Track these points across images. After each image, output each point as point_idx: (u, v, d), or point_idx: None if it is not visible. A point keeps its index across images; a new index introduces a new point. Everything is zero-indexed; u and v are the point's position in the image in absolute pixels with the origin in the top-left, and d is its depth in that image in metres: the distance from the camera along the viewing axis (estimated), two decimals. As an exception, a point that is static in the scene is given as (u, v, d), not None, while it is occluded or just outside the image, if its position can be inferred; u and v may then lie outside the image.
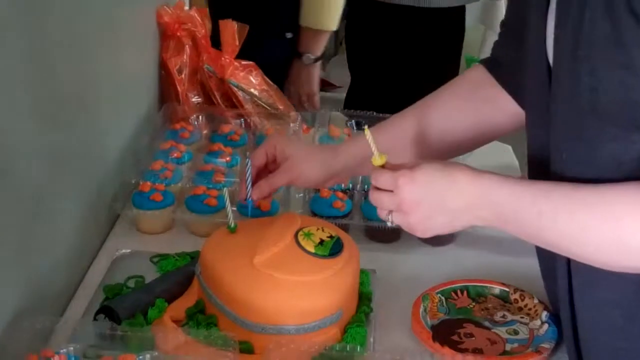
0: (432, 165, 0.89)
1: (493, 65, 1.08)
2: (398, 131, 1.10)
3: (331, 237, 1.05)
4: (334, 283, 1.01)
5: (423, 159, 0.97)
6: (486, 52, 2.46)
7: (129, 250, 1.23)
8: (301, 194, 1.36)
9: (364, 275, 1.14)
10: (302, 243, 1.03)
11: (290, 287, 0.99)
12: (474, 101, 1.07)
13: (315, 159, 1.10)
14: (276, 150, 1.11)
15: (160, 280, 1.13)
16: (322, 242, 1.04)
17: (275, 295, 0.99)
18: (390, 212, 0.90)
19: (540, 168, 0.90)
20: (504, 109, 1.05)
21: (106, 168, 1.32)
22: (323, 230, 1.06)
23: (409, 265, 1.23)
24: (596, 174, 0.81)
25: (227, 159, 1.43)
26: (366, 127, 0.98)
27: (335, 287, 1.01)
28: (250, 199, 1.10)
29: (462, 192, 0.86)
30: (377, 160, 0.92)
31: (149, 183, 1.32)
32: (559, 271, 0.90)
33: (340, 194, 1.31)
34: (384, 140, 1.01)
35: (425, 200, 0.87)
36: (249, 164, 1.10)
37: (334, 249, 1.04)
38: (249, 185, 1.10)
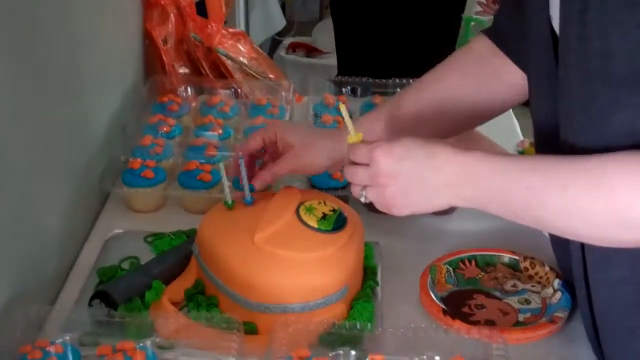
0: (412, 139, 0.86)
1: (496, 35, 1.04)
2: (402, 112, 1.06)
3: (334, 210, 1.02)
4: (339, 258, 0.98)
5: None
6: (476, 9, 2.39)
7: (121, 231, 1.20)
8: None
9: (368, 249, 1.11)
10: (304, 218, 1.00)
11: (294, 264, 0.96)
12: (481, 76, 1.04)
13: (320, 146, 1.05)
14: (277, 137, 1.07)
15: (156, 261, 1.09)
16: (324, 216, 1.01)
17: (279, 274, 0.96)
18: (365, 187, 0.87)
19: (549, 139, 0.87)
20: (509, 82, 1.02)
21: (93, 145, 1.28)
22: (325, 204, 1.03)
23: (413, 236, 1.20)
24: (607, 145, 0.77)
25: (219, 131, 1.39)
26: (341, 103, 0.96)
27: (340, 263, 0.98)
28: (249, 198, 1.05)
29: (442, 168, 0.83)
30: (353, 138, 0.90)
31: (139, 160, 1.28)
32: (573, 248, 0.88)
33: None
34: (384, 122, 0.99)
35: (402, 174, 0.84)
36: (242, 162, 1.05)
37: (337, 223, 1.00)
38: (245, 183, 1.04)
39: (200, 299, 1.02)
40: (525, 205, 0.80)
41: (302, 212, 1.01)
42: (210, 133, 1.38)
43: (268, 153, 1.11)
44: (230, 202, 1.05)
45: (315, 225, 0.99)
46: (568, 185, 0.77)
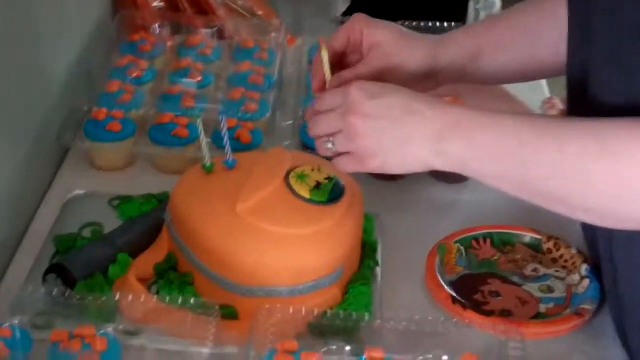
0: (395, 85, 0.85)
1: None
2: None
3: (329, 178, 0.98)
4: (333, 235, 0.95)
5: None
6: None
7: (82, 191, 1.16)
8: (289, 122, 1.29)
9: (367, 221, 1.07)
10: (295, 187, 0.96)
11: (281, 240, 0.93)
12: (530, 32, 0.99)
13: (416, 45, 0.96)
14: (362, 35, 0.96)
15: (121, 229, 1.06)
16: (318, 185, 0.97)
17: (264, 251, 0.92)
18: (332, 135, 0.86)
19: (581, 94, 0.84)
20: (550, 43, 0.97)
21: (51, 93, 1.23)
22: (319, 170, 0.99)
23: (420, 207, 1.16)
24: (635, 104, 0.76)
25: (198, 78, 1.35)
26: (322, 45, 0.92)
27: (335, 240, 0.95)
28: (230, 160, 1.01)
29: (424, 113, 0.82)
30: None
31: (104, 109, 1.23)
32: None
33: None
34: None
35: (376, 113, 0.83)
36: (223, 118, 1.00)
37: (333, 193, 0.97)
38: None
39: (172, 276, 0.99)
40: (518, 165, 0.79)
41: (292, 179, 0.97)
42: (187, 80, 1.33)
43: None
44: (208, 164, 1.01)
45: (307, 196, 0.96)
46: (567, 144, 0.76)
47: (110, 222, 1.09)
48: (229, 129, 1.13)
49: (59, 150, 1.24)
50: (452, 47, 0.97)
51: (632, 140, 0.73)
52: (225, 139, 1.01)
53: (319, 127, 0.88)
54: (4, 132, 1.07)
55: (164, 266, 1.01)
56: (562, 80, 0.94)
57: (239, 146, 1.18)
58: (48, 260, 1.03)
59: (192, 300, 0.91)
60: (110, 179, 1.21)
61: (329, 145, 0.87)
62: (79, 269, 0.98)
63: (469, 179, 1.18)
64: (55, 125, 1.22)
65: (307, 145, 1.20)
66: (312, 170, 0.99)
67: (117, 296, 0.92)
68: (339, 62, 0.97)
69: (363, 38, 0.96)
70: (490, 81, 1.05)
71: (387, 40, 0.95)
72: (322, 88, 0.94)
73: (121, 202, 1.14)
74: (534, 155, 0.78)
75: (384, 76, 0.93)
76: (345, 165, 0.88)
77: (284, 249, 0.93)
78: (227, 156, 1.02)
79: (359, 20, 0.97)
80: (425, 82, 0.97)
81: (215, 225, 0.94)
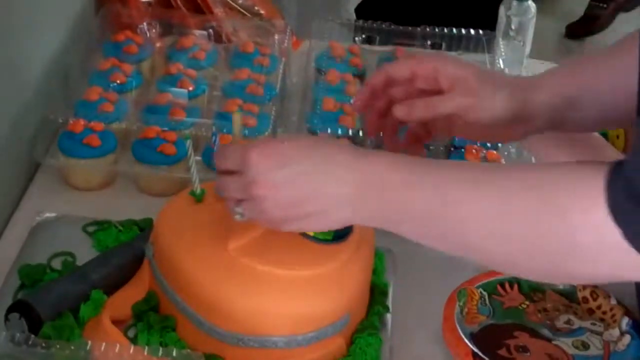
0: (299, 138, 0.87)
1: None
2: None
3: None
4: (339, 279, 0.93)
5: None
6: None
7: (53, 215, 1.15)
8: (294, 117, 1.29)
9: (377, 259, 1.05)
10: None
11: (279, 284, 0.91)
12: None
13: (502, 82, 0.94)
14: (437, 71, 0.94)
15: (97, 261, 1.04)
16: (324, 220, 0.95)
17: (258, 295, 0.90)
18: (240, 201, 0.85)
19: None
20: None
21: (23, 98, 1.21)
22: (325, 201, 0.97)
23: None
24: None
25: (190, 87, 1.33)
26: (235, 113, 0.96)
27: (340, 285, 0.93)
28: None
29: (339, 176, 0.82)
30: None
31: (81, 121, 1.22)
32: None
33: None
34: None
35: (285, 183, 0.82)
36: (216, 138, 0.98)
37: (340, 229, 0.94)
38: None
39: (152, 319, 0.96)
40: (445, 226, 0.79)
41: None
42: (177, 89, 1.31)
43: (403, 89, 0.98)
44: (198, 191, 0.99)
45: (311, 233, 0.93)
46: (506, 199, 0.76)
47: (84, 251, 1.08)
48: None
49: (29, 165, 1.22)
50: (545, 92, 0.94)
51: (577, 191, 0.74)
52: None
53: (223, 190, 0.87)
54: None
55: (143, 307, 0.98)
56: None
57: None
58: (12, 295, 1.01)
59: (174, 352, 0.89)
60: (87, 201, 1.20)
61: (237, 216, 0.86)
62: (47, 308, 0.95)
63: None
64: (27, 135, 1.20)
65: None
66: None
67: (89, 345, 0.90)
68: (380, 93, 0.97)
69: (439, 74, 0.94)
70: (591, 128, 1.02)
71: (468, 76, 0.93)
72: (364, 108, 0.98)
73: (97, 228, 1.12)
74: (463, 215, 0.78)
75: (467, 115, 0.92)
76: (263, 224, 0.88)
77: (281, 293, 0.90)
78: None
79: (432, 57, 0.99)
80: (514, 126, 0.94)
81: (204, 264, 0.92)
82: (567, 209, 0.73)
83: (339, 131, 1.24)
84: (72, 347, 0.88)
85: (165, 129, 1.22)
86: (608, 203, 0.71)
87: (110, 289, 1.00)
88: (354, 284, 0.95)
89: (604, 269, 0.75)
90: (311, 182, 0.82)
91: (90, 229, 1.12)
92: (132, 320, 0.99)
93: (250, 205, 0.84)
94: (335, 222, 0.86)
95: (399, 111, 0.93)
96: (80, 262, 1.06)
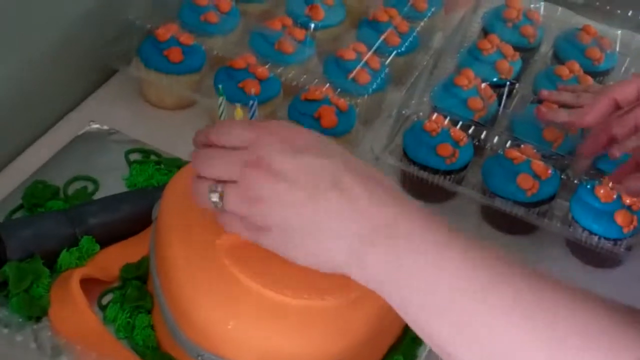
0: (332, 141, 0.68)
1: None
2: None
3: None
4: (339, 319, 0.73)
5: None
6: None
7: (105, 128, 1.00)
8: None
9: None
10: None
11: (260, 305, 0.71)
12: None
13: None
14: None
15: (102, 203, 0.89)
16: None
17: (230, 312, 0.71)
18: (223, 183, 0.66)
19: None
20: None
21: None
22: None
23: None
24: None
25: (320, 16, 1.13)
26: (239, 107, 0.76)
27: (340, 328, 0.73)
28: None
29: (363, 208, 0.63)
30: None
31: (174, 26, 1.06)
32: None
33: (458, 133, 0.99)
34: None
35: (295, 184, 0.64)
36: (255, 104, 0.79)
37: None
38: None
39: (129, 293, 0.81)
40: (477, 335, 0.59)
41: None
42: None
43: None
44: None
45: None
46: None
47: (114, 183, 0.93)
48: (311, 101, 0.94)
49: (103, 69, 1.08)
50: None
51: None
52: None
53: (207, 164, 0.67)
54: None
55: (130, 272, 0.83)
56: None
57: (318, 130, 0.97)
58: (4, 213, 0.88)
59: (141, 340, 0.76)
60: (154, 121, 1.06)
61: (214, 198, 0.66)
62: (17, 243, 0.81)
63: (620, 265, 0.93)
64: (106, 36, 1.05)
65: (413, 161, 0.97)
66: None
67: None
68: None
69: None
70: None
71: None
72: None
73: (142, 157, 0.97)
74: (494, 323, 0.58)
75: None
76: (231, 227, 0.68)
77: (257, 317, 0.71)
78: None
79: None
80: None
81: (186, 256, 0.74)
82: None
83: (464, 115, 1.01)
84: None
85: (259, 61, 1.03)
86: None
87: (108, 240, 0.86)
88: (361, 327, 0.74)
89: None
90: (322, 187, 0.63)
91: (133, 156, 0.97)
92: (118, 284, 0.84)
93: (233, 191, 0.66)
94: (323, 261, 0.65)
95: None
96: (103, 194, 0.91)
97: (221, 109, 0.79)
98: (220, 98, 0.78)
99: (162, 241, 0.77)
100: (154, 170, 0.94)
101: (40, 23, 0.94)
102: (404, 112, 0.98)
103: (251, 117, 0.79)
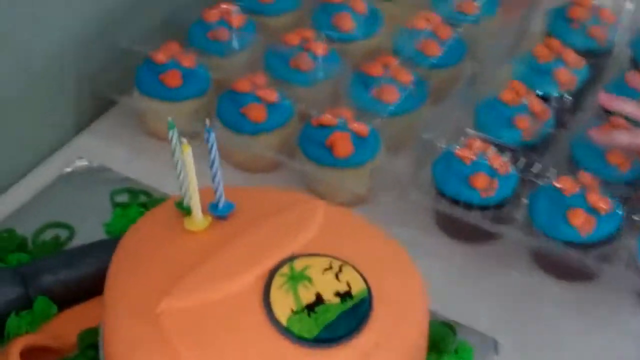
0: None
1: None
2: None
3: (347, 296, 0.61)
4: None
5: None
6: None
7: (95, 165, 0.90)
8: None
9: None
10: (274, 297, 0.60)
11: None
12: None
13: None
14: None
15: (66, 255, 0.77)
16: (316, 303, 0.60)
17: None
18: None
19: None
20: None
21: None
22: (339, 273, 0.62)
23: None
24: None
25: (350, 26, 0.99)
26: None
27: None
28: (223, 205, 0.67)
29: None
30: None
31: (174, 45, 0.95)
32: None
33: (497, 159, 0.83)
34: None
35: None
36: (211, 134, 0.64)
37: (336, 328, 0.59)
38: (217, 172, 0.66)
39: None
40: None
41: (278, 279, 0.61)
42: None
43: None
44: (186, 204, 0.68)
45: (284, 322, 0.59)
46: None
47: (92, 231, 0.82)
48: (324, 127, 0.81)
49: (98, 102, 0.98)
50: None
51: None
52: (215, 164, 0.67)
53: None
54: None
55: (87, 339, 0.71)
56: None
57: (330, 160, 0.84)
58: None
59: None
60: (149, 155, 0.94)
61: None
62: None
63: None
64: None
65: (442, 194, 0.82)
66: (327, 269, 0.62)
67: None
68: None
69: None
70: None
71: None
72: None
73: (118, 203, 0.85)
74: None
75: None
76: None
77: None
78: (217, 194, 0.67)
79: None
80: None
81: (121, 323, 0.62)
82: None
83: (507, 137, 0.85)
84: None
85: (271, 82, 0.90)
86: None
87: (69, 300, 0.74)
88: None
89: None
90: None
91: (120, 198, 0.86)
92: (74, 353, 0.72)
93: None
94: None
95: None
96: (79, 243, 0.80)
97: (173, 145, 0.66)
98: (170, 132, 0.65)
99: (106, 307, 0.64)
100: (137, 214, 0.82)
101: (26, 48, 0.85)
102: (426, 136, 0.82)
103: (210, 150, 0.65)
